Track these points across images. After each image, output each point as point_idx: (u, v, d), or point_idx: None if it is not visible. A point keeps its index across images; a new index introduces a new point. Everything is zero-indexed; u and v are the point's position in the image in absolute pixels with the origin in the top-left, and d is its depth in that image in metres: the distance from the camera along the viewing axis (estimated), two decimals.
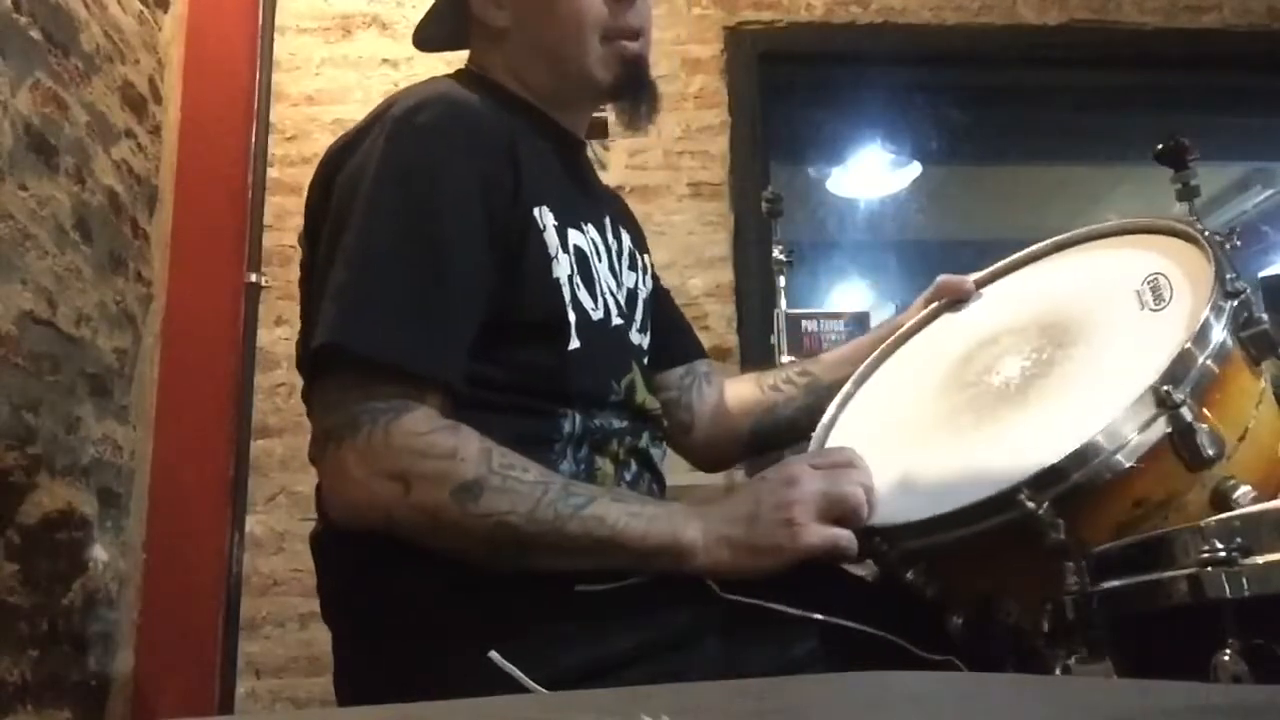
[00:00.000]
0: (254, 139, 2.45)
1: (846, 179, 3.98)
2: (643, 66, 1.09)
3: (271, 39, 2.52)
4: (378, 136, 0.95)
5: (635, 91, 1.10)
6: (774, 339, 2.14)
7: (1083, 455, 0.77)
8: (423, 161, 0.94)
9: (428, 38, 1.21)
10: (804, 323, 2.15)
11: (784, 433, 1.27)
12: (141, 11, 2.23)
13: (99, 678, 1.96)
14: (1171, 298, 0.91)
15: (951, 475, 0.91)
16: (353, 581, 0.98)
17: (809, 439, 1.12)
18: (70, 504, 1.83)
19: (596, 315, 1.02)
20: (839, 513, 0.89)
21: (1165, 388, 0.77)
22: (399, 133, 0.94)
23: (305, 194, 1.05)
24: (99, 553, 1.96)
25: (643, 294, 1.17)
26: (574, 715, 0.48)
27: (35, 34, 1.75)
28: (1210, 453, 0.76)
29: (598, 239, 1.08)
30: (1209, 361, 0.80)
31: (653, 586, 0.89)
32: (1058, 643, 0.75)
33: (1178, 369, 0.79)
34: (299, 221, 2.73)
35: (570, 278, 1.00)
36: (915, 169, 3.82)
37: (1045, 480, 0.77)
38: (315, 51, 2.58)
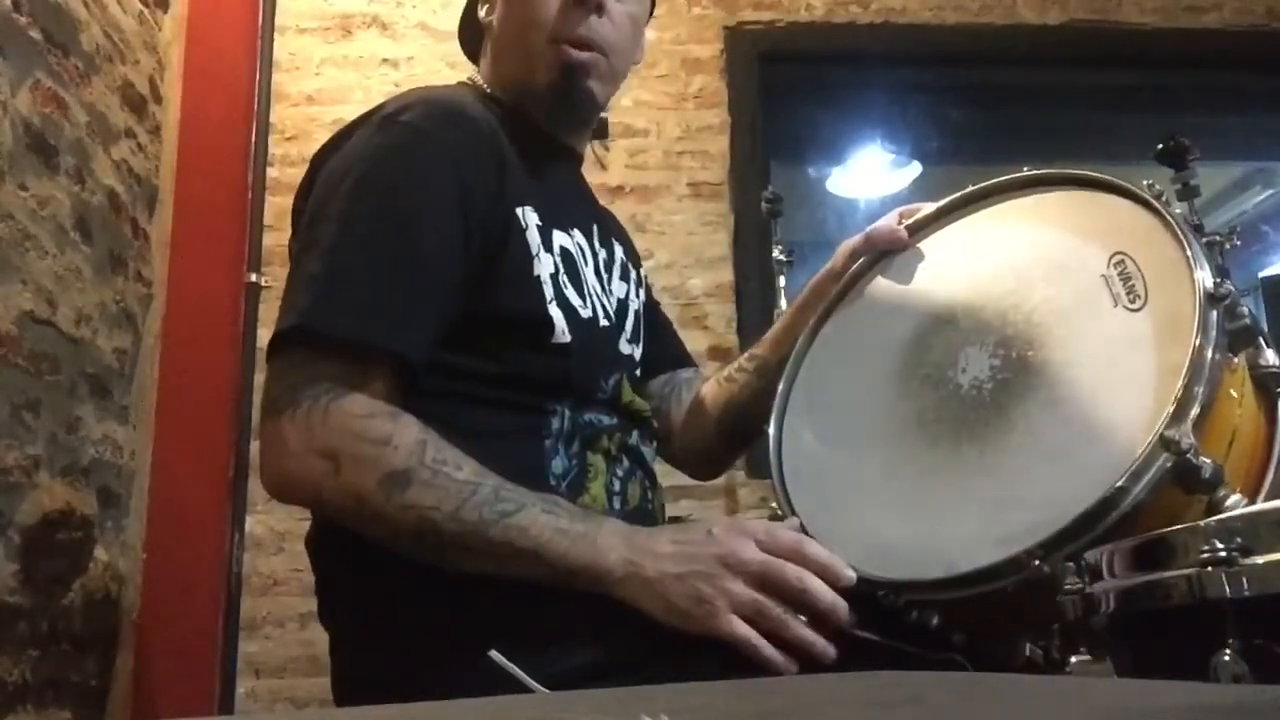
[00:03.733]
0: (254, 139, 2.45)
1: (846, 179, 3.98)
2: (581, 77, 1.07)
3: (271, 39, 2.52)
4: (361, 134, 0.97)
5: (570, 100, 1.08)
6: None
7: (1094, 515, 0.75)
8: (402, 157, 0.95)
9: (463, 44, 1.25)
10: None
11: (746, 421, 1.21)
12: (141, 11, 2.23)
13: (99, 678, 1.96)
14: (1147, 294, 0.86)
15: (947, 516, 0.87)
16: (350, 581, 0.97)
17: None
18: (70, 504, 1.83)
19: (585, 314, 1.03)
20: (766, 612, 0.83)
21: (1172, 433, 0.75)
22: (382, 130, 0.96)
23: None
24: (99, 553, 1.96)
25: (634, 305, 1.17)
26: (574, 715, 0.48)
27: (35, 34, 1.75)
28: (1209, 479, 0.75)
29: (584, 244, 1.08)
30: (1205, 389, 0.77)
31: None
32: (1062, 648, 0.75)
33: (1181, 409, 0.76)
34: None
35: (554, 276, 1.00)
36: (915, 169, 3.82)
37: (1057, 543, 0.76)
38: (315, 51, 2.58)
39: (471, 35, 1.21)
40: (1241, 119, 3.28)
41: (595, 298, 1.06)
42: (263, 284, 2.38)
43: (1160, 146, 1.20)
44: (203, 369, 2.30)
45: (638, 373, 1.17)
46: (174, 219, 2.34)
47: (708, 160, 2.61)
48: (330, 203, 0.94)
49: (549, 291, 0.99)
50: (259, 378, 2.33)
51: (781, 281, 2.14)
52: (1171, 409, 0.76)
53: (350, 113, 2.53)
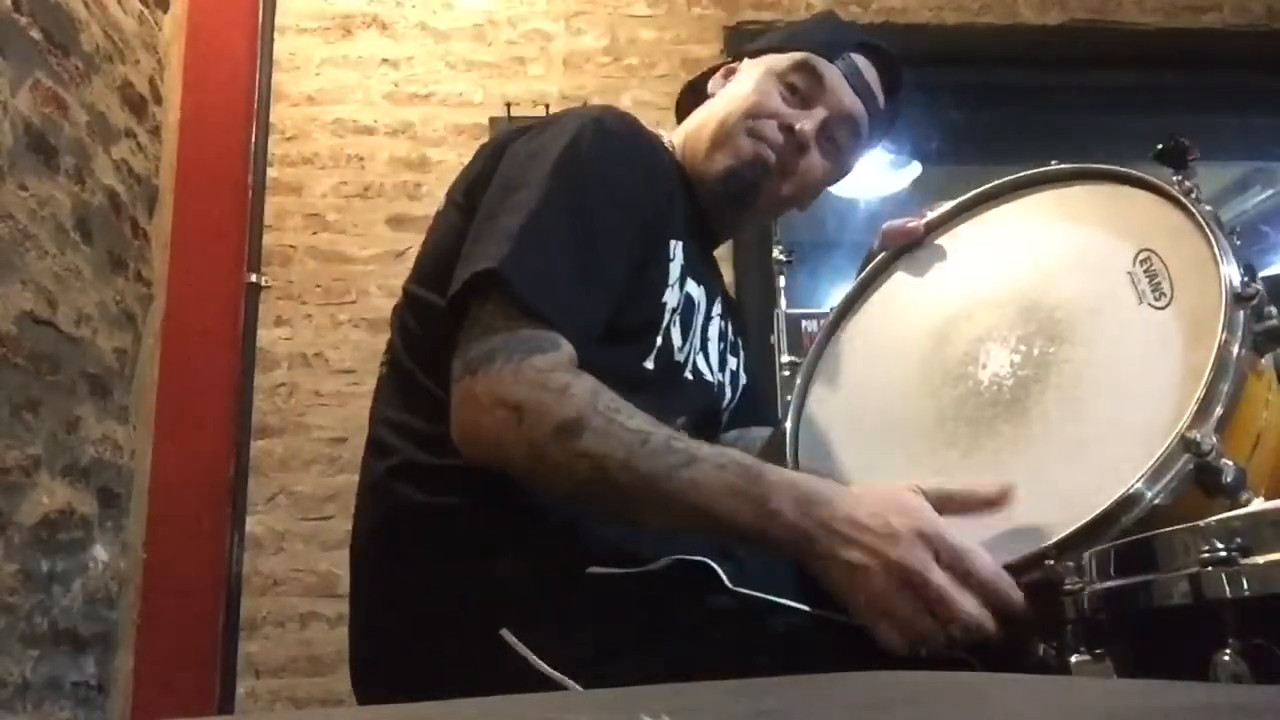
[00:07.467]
0: (254, 139, 2.45)
1: (846, 179, 3.97)
2: (752, 175, 1.12)
3: (271, 39, 2.52)
4: (566, 126, 1.01)
5: (733, 188, 1.13)
6: (774, 339, 2.14)
7: (1110, 517, 0.74)
8: (601, 157, 1.00)
9: (679, 106, 1.33)
10: (804, 323, 2.15)
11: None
12: (141, 11, 2.23)
13: (99, 678, 1.96)
14: (1173, 291, 0.85)
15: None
16: (374, 560, 1.00)
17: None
18: (70, 504, 1.83)
19: (680, 354, 1.06)
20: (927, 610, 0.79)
21: (1193, 433, 0.74)
22: (587, 128, 1.01)
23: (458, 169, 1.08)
24: (99, 553, 1.96)
25: (742, 380, 1.22)
26: (574, 715, 0.48)
27: (35, 34, 1.75)
28: (1231, 483, 0.73)
29: (705, 306, 1.11)
30: (1229, 390, 0.76)
31: (665, 574, 0.89)
32: (1062, 647, 0.75)
33: (1203, 409, 0.75)
34: (299, 221, 2.72)
35: (674, 310, 1.04)
36: (915, 169, 3.81)
37: (1072, 544, 0.75)
38: (315, 51, 2.58)
39: (690, 100, 1.28)
40: (1241, 119, 3.28)
41: (694, 351, 1.09)
42: (263, 284, 2.38)
43: (1160, 146, 1.19)
44: (203, 369, 2.30)
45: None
46: (174, 219, 2.34)
47: None
48: (537, 176, 0.97)
49: (665, 319, 1.03)
50: (259, 378, 2.34)
51: (781, 281, 2.14)
52: (1194, 409, 0.75)
53: (350, 113, 2.55)
